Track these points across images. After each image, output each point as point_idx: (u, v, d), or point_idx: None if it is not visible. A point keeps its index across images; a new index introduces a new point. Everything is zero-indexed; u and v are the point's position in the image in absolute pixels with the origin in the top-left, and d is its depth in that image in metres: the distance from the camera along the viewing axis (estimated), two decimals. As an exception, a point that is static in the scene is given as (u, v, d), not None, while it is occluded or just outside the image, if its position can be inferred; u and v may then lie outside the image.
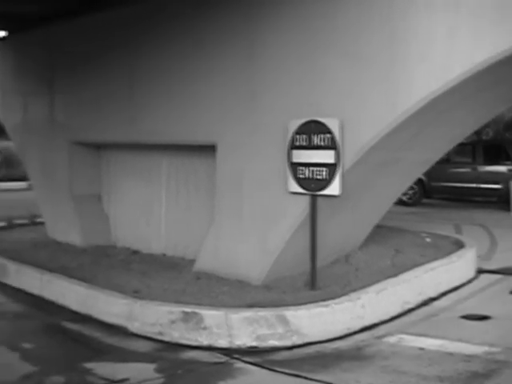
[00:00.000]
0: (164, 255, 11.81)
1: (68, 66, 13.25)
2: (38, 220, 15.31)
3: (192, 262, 10.65)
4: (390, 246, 11.24)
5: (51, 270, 10.52)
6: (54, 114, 13.70)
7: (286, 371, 6.94)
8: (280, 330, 7.72)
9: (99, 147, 13.42)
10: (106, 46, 12.24)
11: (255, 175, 9.68)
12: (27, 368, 7.29)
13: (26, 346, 8.12)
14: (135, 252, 12.25)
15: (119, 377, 6.97)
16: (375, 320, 8.34)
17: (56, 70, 13.57)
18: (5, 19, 14.56)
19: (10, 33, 15.25)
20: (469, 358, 7.07)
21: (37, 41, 14.08)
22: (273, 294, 8.92)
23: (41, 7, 13.03)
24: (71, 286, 9.69)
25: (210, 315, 7.84)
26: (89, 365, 7.31)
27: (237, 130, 9.88)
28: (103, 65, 12.35)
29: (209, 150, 10.42)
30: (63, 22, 13.04)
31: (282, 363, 7.20)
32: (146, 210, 12.46)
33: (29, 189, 21.29)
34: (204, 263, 10.30)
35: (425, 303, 9.22)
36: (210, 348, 7.70)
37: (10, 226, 15.51)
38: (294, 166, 8.96)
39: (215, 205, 10.35)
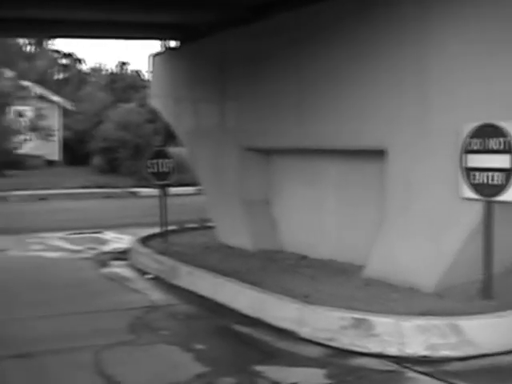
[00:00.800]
0: (332, 260, 11.74)
1: (238, 74, 13.49)
2: (208, 224, 15.62)
3: (361, 267, 10.54)
4: None
5: (222, 274, 10.72)
6: (225, 120, 13.98)
7: (461, 383, 6.74)
8: (453, 339, 7.49)
9: (268, 152, 13.55)
10: (274, 53, 12.37)
11: (426, 180, 9.47)
12: (199, 368, 7.44)
13: (198, 346, 8.28)
14: (303, 257, 12.26)
15: (289, 381, 7.01)
16: (555, 333, 7.95)
17: (226, 77, 13.85)
18: (177, 30, 15.14)
19: (182, 42, 15.74)
20: None
21: (208, 49, 14.42)
22: (445, 302, 8.69)
23: (210, 17, 13.47)
24: (242, 289, 9.82)
25: (381, 322, 7.73)
26: (259, 368, 7.38)
27: (407, 134, 9.69)
28: (271, 71, 12.48)
29: (377, 154, 10.29)
30: (233, 29, 13.30)
31: (455, 374, 6.99)
32: (314, 215, 12.45)
33: (197, 193, 21.84)
34: (373, 269, 10.18)
35: None
36: (379, 355, 7.56)
37: (181, 230, 15.91)
38: (467, 171, 8.69)
39: (384, 210, 10.21)
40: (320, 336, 8.09)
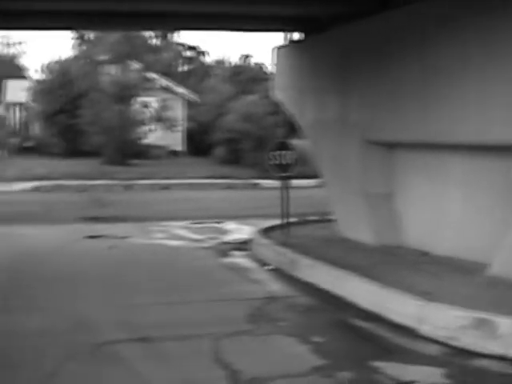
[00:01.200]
0: (455, 257, 11.49)
1: (360, 66, 13.38)
2: (329, 217, 15.56)
3: (484, 266, 10.27)
4: None
5: (342, 267, 10.66)
6: (347, 112, 13.88)
7: None
8: None
9: (390, 146, 13.38)
10: (398, 44, 12.20)
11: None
12: (317, 361, 7.47)
13: (316, 339, 8.28)
14: (425, 253, 12.06)
15: (407, 378, 6.95)
16: None
17: (349, 69, 13.76)
18: (301, 22, 15.22)
19: (306, 35, 15.77)
20: None
21: (330, 41, 14.39)
22: None
23: (334, 10, 13.48)
24: (362, 283, 9.77)
25: (505, 323, 7.51)
26: (377, 363, 7.33)
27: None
28: (394, 63, 12.32)
29: (503, 149, 10.02)
30: (355, 21, 13.23)
31: None
32: (437, 210, 12.21)
33: (319, 186, 21.80)
34: (498, 268, 9.90)
35: None
36: (502, 358, 7.36)
37: (302, 222, 15.91)
38: None
39: None
40: (440, 334, 7.96)
